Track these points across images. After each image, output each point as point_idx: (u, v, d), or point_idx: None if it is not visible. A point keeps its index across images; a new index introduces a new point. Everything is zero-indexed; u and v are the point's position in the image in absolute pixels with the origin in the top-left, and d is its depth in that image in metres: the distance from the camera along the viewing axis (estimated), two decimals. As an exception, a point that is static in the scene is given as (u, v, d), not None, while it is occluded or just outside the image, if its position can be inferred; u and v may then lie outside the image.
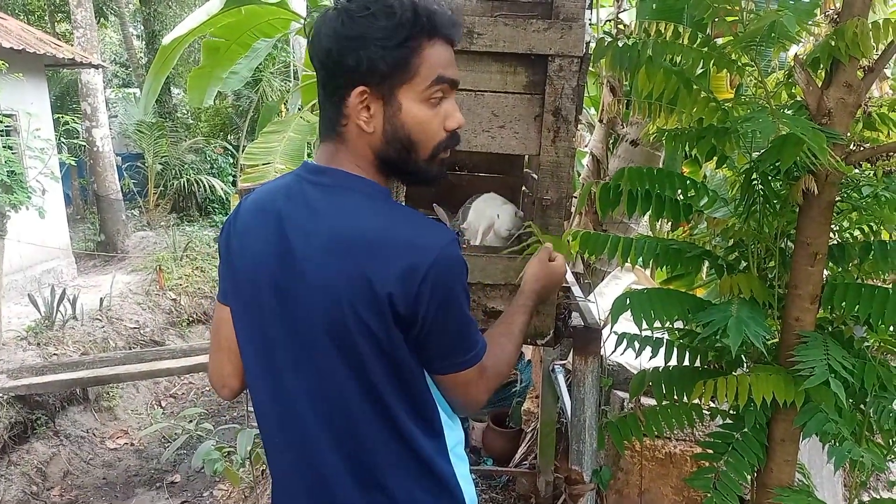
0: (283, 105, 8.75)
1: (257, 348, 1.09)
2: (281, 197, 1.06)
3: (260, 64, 6.95)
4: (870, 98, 1.43)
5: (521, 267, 1.49)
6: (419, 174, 1.06)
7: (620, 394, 2.26)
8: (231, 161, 11.60)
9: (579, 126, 1.59)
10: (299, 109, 5.60)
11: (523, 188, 2.42)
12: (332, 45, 0.98)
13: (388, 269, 0.94)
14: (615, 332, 1.68)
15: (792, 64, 1.44)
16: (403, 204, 1.56)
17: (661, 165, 3.00)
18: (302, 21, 4.59)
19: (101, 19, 12.24)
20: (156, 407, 6.05)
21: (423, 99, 1.00)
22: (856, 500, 1.71)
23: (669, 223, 1.70)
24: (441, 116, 1.02)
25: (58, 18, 12.76)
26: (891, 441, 1.53)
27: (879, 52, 1.35)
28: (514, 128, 1.55)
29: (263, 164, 3.85)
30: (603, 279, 3.14)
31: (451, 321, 1.00)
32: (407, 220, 1.02)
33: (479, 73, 1.52)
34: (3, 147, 5.30)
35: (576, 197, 1.93)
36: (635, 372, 1.94)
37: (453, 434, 1.12)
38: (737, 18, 1.44)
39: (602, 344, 1.76)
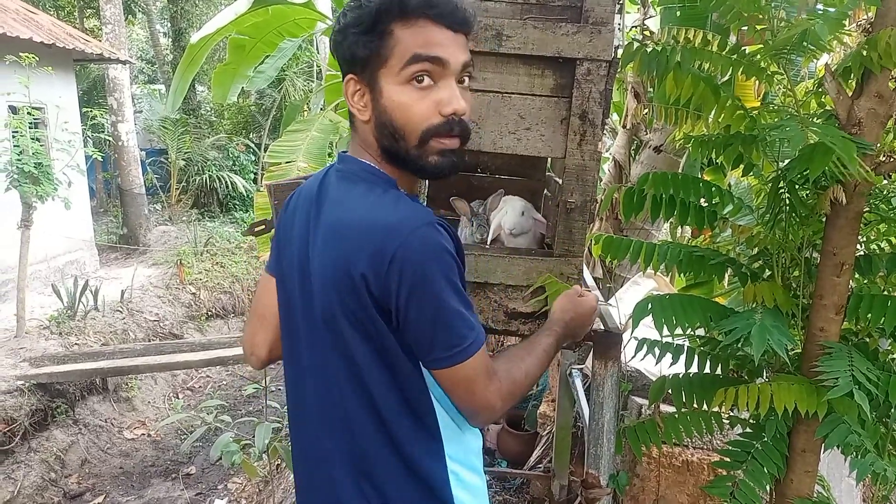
0: (305, 105, 8.82)
1: (286, 328, 1.15)
2: (317, 184, 1.12)
3: (284, 63, 7.01)
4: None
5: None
6: (415, 163, 1.03)
7: (638, 400, 2.25)
8: (253, 159, 11.70)
9: (602, 134, 1.59)
10: (322, 109, 5.63)
11: (545, 192, 2.42)
12: (332, 39, 1.05)
13: (361, 250, 0.96)
14: (635, 338, 1.68)
15: (822, 73, 1.43)
16: (420, 201, 1.59)
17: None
18: (328, 22, 4.63)
19: (129, 16, 12.42)
20: (173, 399, 6.12)
21: (403, 81, 0.99)
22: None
23: (690, 230, 1.69)
24: (431, 100, 1.00)
25: (87, 14, 12.96)
26: (914, 455, 1.51)
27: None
28: (540, 130, 1.55)
29: (287, 163, 3.88)
30: (622, 284, 3.13)
31: (427, 307, 0.96)
32: (389, 205, 1.00)
33: (506, 76, 1.53)
34: (31, 139, 5.40)
35: (598, 201, 1.93)
36: (653, 378, 1.93)
37: (460, 442, 1.10)
38: (766, 27, 1.44)
39: (622, 349, 1.75)
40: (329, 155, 4.19)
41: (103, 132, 8.74)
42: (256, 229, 1.94)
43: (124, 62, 8.53)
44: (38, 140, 5.60)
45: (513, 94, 1.55)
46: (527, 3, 1.54)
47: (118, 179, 9.48)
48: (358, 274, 0.95)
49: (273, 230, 1.75)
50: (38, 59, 5.60)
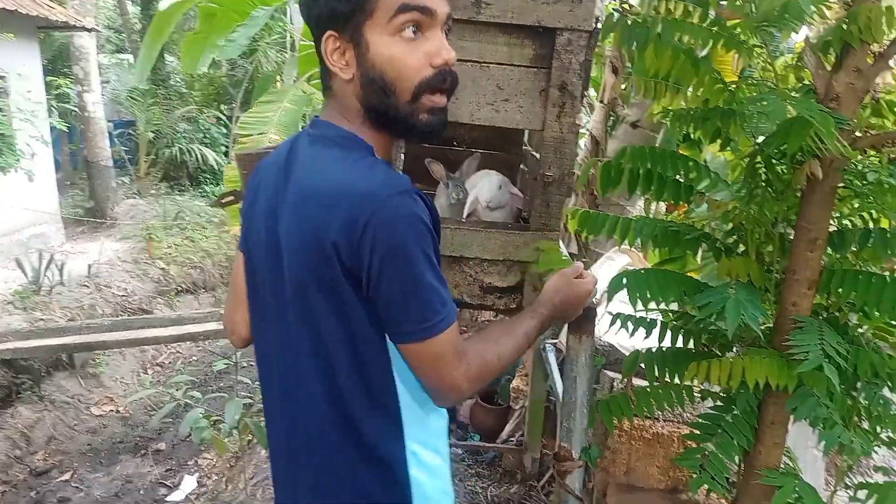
0: (278, 76, 8.65)
1: (254, 303, 1.12)
2: (286, 150, 1.07)
3: (256, 34, 6.84)
4: (878, 84, 1.42)
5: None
6: (407, 120, 0.99)
7: (611, 374, 2.27)
8: (224, 131, 11.47)
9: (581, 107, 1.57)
10: (295, 81, 5.52)
11: (521, 166, 2.41)
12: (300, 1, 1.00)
13: (332, 217, 0.92)
14: (609, 312, 1.68)
15: (802, 47, 1.43)
16: (395, 166, 1.56)
17: (659, 150, 2.98)
18: (301, -10, 4.51)
19: (95, -18, 11.99)
20: (142, 375, 6.04)
21: (391, 32, 0.95)
22: (842, 483, 1.73)
23: (665, 206, 1.69)
24: (422, 52, 0.96)
25: (50, -21, 12.48)
26: (878, 427, 1.54)
27: (891, 38, 1.34)
28: (518, 102, 1.53)
29: (258, 134, 3.81)
30: (597, 260, 3.14)
31: (400, 278, 0.92)
32: (364, 171, 0.96)
33: (485, 45, 1.50)
34: (-7, 108, 5.22)
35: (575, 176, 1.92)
36: (626, 353, 1.95)
37: (422, 423, 1.07)
38: (747, 1, 1.43)
39: (596, 323, 1.76)
40: (303, 127, 4.12)
41: (69, 102, 8.48)
42: (224, 200, 1.90)
43: (90, 30, 8.25)
44: (-1, 109, 5.41)
45: (491, 63, 1.52)
46: (507, -31, 1.51)
47: (84, 151, 9.21)
48: (329, 241, 0.92)
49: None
50: (-2, 24, 5.39)
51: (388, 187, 0.93)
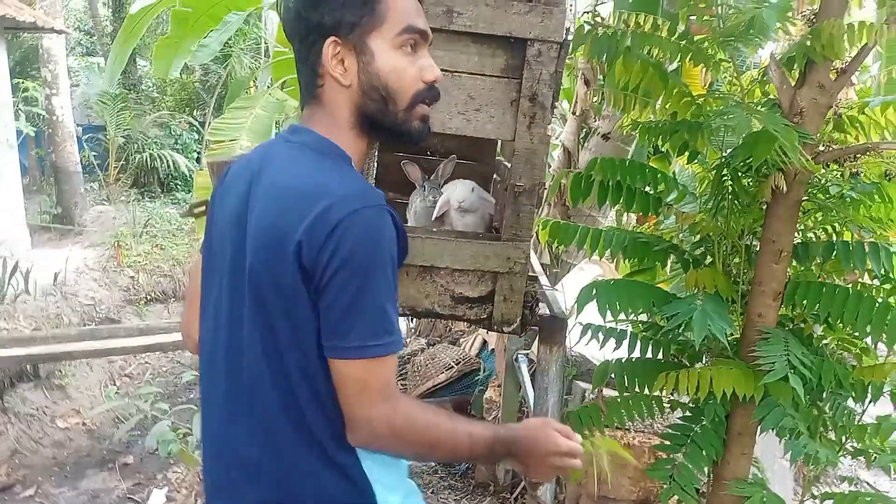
0: (251, 82, 8.59)
1: (208, 303, 1.09)
2: (260, 154, 1.07)
3: (230, 39, 6.79)
4: (840, 100, 1.45)
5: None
6: (400, 127, 1.04)
7: (582, 384, 2.28)
8: (196, 137, 11.33)
9: (552, 118, 1.58)
10: (268, 87, 5.49)
11: (494, 176, 2.41)
12: (298, 4, 1.00)
13: (303, 216, 0.91)
14: (580, 323, 1.69)
15: (767, 62, 1.45)
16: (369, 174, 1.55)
17: (631, 160, 3.01)
18: (275, -4, 4.49)
19: (65, -16, 11.80)
20: (110, 386, 5.90)
21: (396, 46, 1.00)
22: (809, 493, 1.75)
23: (635, 217, 1.70)
24: (417, 67, 1.02)
25: (19, -19, 12.24)
26: (843, 437, 1.56)
27: (853, 55, 1.37)
28: (489, 112, 1.53)
29: (230, 141, 3.76)
30: (569, 270, 3.15)
31: (350, 289, 0.90)
32: (340, 176, 0.97)
33: (456, 54, 1.49)
34: (-44, 111, 5.09)
35: (546, 186, 1.93)
36: (597, 363, 1.95)
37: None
38: (714, 15, 1.45)
39: (566, 334, 1.76)
40: (276, 134, 4.09)
41: (37, 105, 8.30)
42: (196, 210, 1.87)
43: (60, 32, 8.09)
44: (-38, 112, 5.28)
45: (463, 73, 1.52)
46: (478, -21, 1.51)
47: (52, 156, 9.01)
48: (294, 240, 0.91)
49: None
50: (-38, 25, 5.26)
51: (364, 197, 0.93)
